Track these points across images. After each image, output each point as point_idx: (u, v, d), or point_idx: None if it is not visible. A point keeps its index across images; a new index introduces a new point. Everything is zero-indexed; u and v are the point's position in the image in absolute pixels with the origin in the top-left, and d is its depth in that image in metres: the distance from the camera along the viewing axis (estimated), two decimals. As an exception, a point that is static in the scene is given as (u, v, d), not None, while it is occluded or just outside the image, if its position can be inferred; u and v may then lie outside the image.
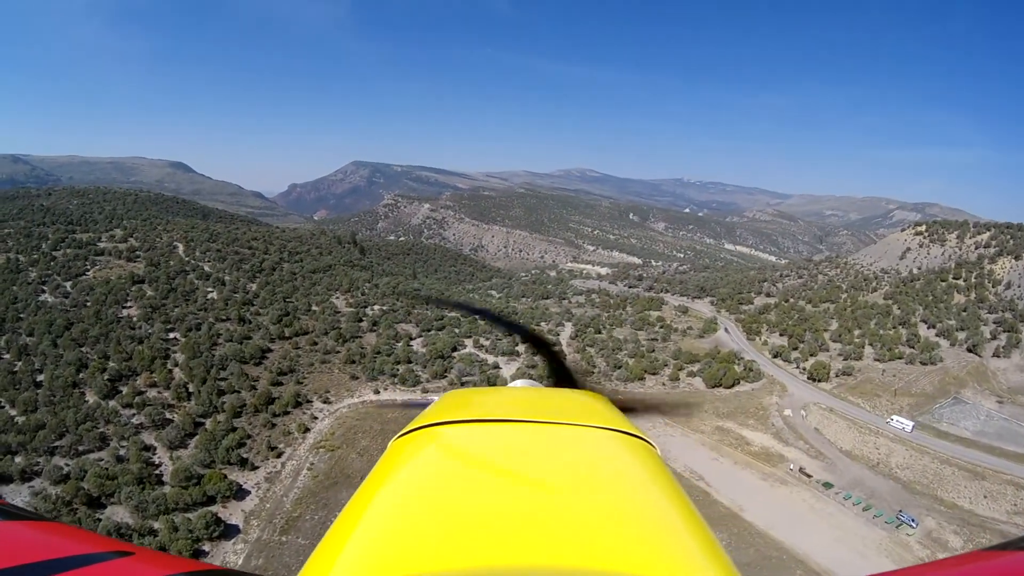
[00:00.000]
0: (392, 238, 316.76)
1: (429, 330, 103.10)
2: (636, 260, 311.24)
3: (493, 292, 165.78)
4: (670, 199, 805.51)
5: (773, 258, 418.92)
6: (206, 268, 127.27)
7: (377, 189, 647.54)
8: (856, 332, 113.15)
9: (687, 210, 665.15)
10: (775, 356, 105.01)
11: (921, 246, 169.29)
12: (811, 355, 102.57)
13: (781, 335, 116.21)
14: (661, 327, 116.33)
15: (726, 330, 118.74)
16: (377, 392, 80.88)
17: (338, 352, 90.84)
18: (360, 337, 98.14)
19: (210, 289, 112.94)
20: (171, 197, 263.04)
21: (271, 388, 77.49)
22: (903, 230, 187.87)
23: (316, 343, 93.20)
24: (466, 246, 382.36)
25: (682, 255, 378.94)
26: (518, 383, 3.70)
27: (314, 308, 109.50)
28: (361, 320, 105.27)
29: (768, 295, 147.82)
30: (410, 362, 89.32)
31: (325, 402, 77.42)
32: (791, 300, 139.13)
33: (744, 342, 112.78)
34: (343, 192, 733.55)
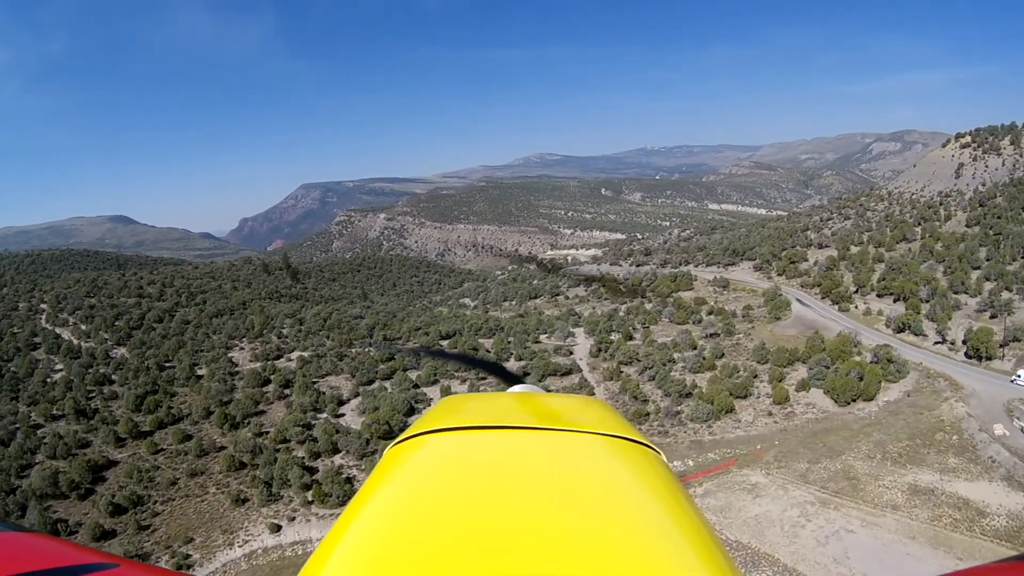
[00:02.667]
0: (350, 255, 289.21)
1: (371, 381, 68.34)
2: (620, 236, 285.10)
3: (467, 301, 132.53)
4: (637, 170, 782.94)
5: (763, 211, 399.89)
6: (66, 335, 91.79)
7: (331, 209, 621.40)
8: (974, 274, 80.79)
9: (658, 177, 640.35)
10: (900, 330, 71.68)
11: (975, 159, 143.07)
12: (947, 319, 69.50)
13: (881, 296, 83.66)
14: (712, 314, 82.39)
15: (801, 302, 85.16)
16: (277, 529, 45.36)
17: (219, 451, 55.64)
18: (262, 413, 63.09)
19: (59, 365, 77.51)
20: (102, 253, 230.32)
21: (92, 545, 41.03)
22: (944, 145, 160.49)
23: (189, 437, 57.92)
24: (431, 251, 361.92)
25: (667, 223, 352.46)
26: (518, 388, 3.49)
27: (201, 372, 73.98)
28: (267, 383, 70.00)
29: (821, 246, 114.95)
30: (337, 451, 54.52)
31: (181, 567, 41.29)
32: (860, 247, 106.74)
33: (839, 316, 79.42)
34: (296, 218, 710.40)
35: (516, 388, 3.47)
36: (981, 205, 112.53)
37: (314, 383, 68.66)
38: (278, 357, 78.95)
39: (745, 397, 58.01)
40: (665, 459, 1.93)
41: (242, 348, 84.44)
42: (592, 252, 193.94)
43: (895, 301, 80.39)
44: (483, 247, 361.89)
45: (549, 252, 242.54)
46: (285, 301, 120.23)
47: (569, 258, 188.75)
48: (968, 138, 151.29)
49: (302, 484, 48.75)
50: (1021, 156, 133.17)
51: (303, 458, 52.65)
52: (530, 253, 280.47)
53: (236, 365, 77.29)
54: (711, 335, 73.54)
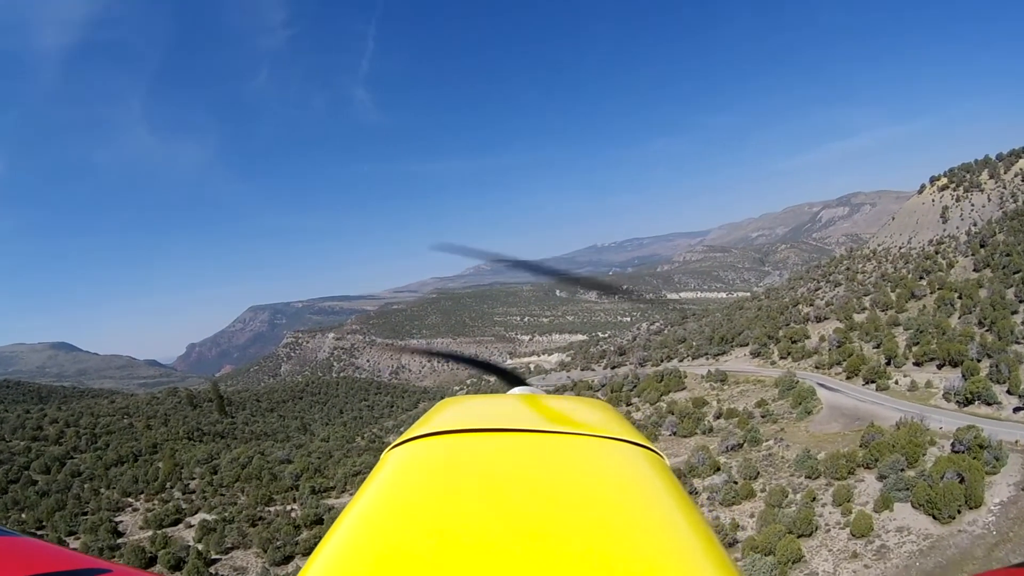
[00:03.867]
0: (300, 379, 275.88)
1: (288, 559, 51.97)
2: (582, 337, 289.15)
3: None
4: (590, 268, 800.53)
5: (723, 295, 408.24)
6: None
7: (280, 331, 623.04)
8: (1015, 319, 70.34)
9: (611, 272, 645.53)
10: (967, 402, 58.81)
11: (958, 200, 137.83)
12: (1018, 387, 57.05)
13: (920, 364, 71.66)
14: (721, 417, 68.79)
15: (826, 388, 72.00)
16: None
17: None
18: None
19: None
20: (32, 385, 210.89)
21: None
22: (920, 192, 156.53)
23: None
24: (384, 370, 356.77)
25: (628, 318, 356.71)
26: (519, 390, 3.45)
27: (75, 545, 55.78)
28: (153, 562, 53.01)
29: (820, 319, 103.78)
30: None
31: None
32: (866, 312, 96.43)
33: (882, 397, 66.21)
34: (245, 342, 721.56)
35: (517, 390, 3.42)
36: (983, 246, 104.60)
37: (212, 563, 52.29)
38: (176, 522, 62.33)
39: (811, 535, 43.22)
40: (668, 463, 1.92)
41: (136, 508, 67.86)
42: (557, 358, 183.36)
43: (940, 368, 68.38)
44: (439, 361, 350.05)
45: (509, 361, 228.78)
46: (208, 440, 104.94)
47: (532, 366, 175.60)
48: (944, 180, 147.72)
49: None
50: (1005, 188, 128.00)
51: None
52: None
53: (121, 535, 60.50)
54: (732, 447, 59.22)
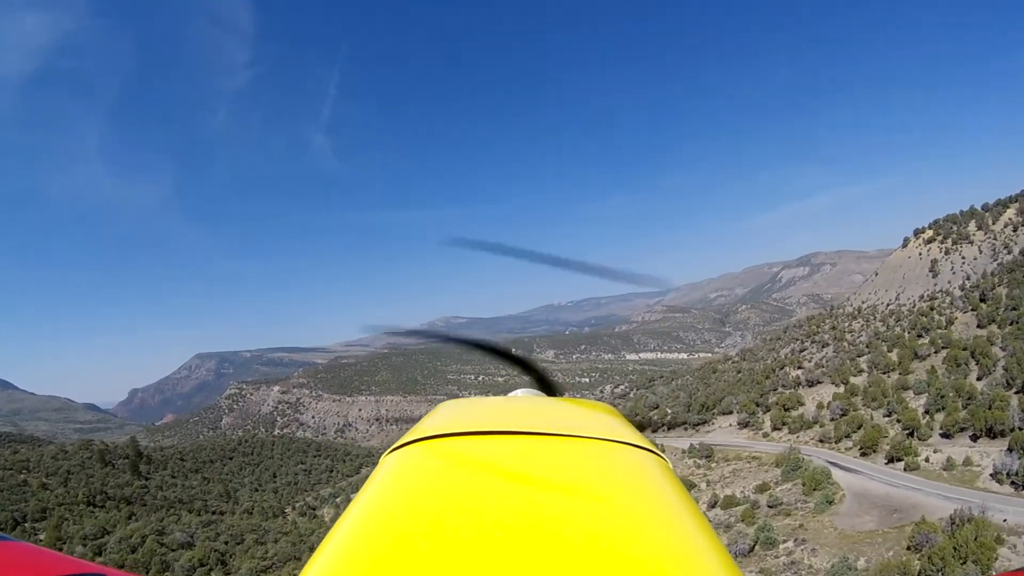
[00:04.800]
0: (241, 433, 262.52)
1: None
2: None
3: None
4: (546, 327, 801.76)
5: (684, 355, 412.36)
6: None
7: (226, 381, 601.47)
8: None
9: (568, 332, 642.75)
10: (1029, 490, 48.97)
11: (947, 252, 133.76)
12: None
13: (949, 436, 62.54)
14: (717, 506, 58.27)
15: (839, 467, 62.02)
16: None
17: None
18: None
19: None
20: None
21: None
22: (905, 246, 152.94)
23: None
24: (330, 427, 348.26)
25: (587, 379, 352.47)
26: (520, 392, 3.23)
27: None
28: None
29: (812, 383, 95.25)
30: None
31: None
32: (867, 376, 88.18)
33: (916, 480, 56.10)
34: (190, 390, 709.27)
35: (518, 392, 3.26)
36: (983, 300, 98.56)
37: None
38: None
39: None
40: (671, 466, 1.89)
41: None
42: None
43: (975, 439, 59.14)
44: (387, 420, 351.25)
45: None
46: (110, 507, 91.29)
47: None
48: (930, 232, 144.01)
49: None
50: (996, 239, 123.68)
51: None
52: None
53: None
54: (742, 553, 48.12)
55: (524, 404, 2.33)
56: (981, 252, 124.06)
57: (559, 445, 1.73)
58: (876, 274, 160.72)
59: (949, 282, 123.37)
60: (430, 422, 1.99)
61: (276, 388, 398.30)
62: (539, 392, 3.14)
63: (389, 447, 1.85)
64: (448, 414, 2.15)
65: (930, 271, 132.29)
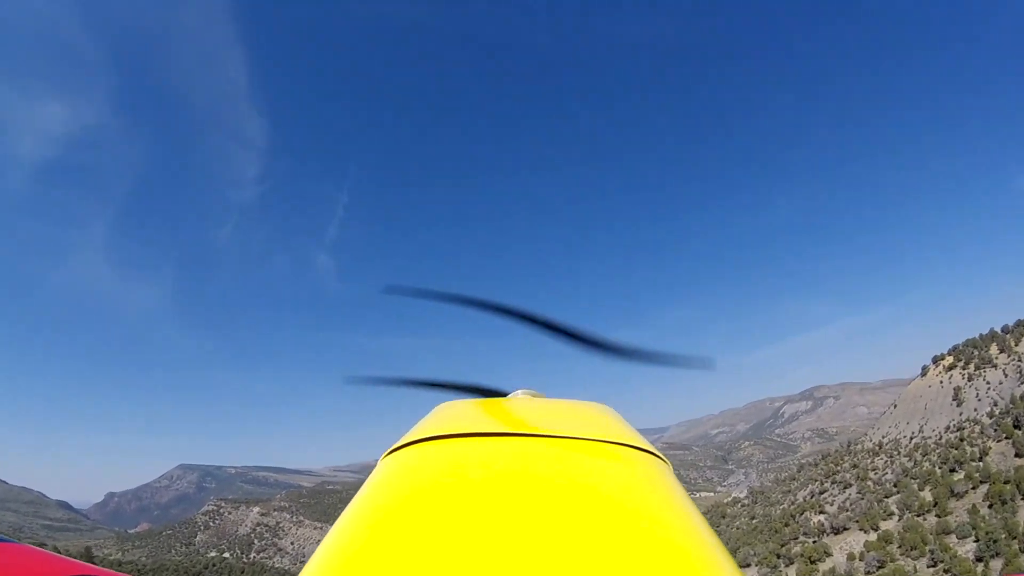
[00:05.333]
0: (214, 554, 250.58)
1: None
2: None
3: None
4: None
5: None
6: None
7: (206, 495, 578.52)
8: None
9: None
10: None
11: (970, 379, 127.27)
12: None
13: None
14: None
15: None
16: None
17: None
18: None
19: None
20: None
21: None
22: (924, 374, 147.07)
23: None
24: (309, 556, 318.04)
25: None
26: (519, 392, 3.27)
27: None
28: None
29: (838, 530, 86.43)
30: None
31: None
32: (899, 520, 79.91)
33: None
34: (168, 500, 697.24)
35: (517, 393, 3.27)
36: (1017, 427, 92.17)
37: None
38: None
39: None
40: (671, 469, 1.93)
41: None
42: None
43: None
44: None
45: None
46: None
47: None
48: (950, 359, 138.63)
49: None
50: (1021, 360, 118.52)
51: None
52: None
53: None
54: None
55: (522, 405, 2.40)
56: (1007, 376, 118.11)
57: (557, 447, 1.75)
58: (895, 406, 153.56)
59: (976, 409, 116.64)
60: (427, 424, 2.03)
61: (256, 509, 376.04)
62: (538, 393, 3.12)
63: (387, 449, 1.88)
64: (446, 416, 2.21)
65: (954, 399, 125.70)
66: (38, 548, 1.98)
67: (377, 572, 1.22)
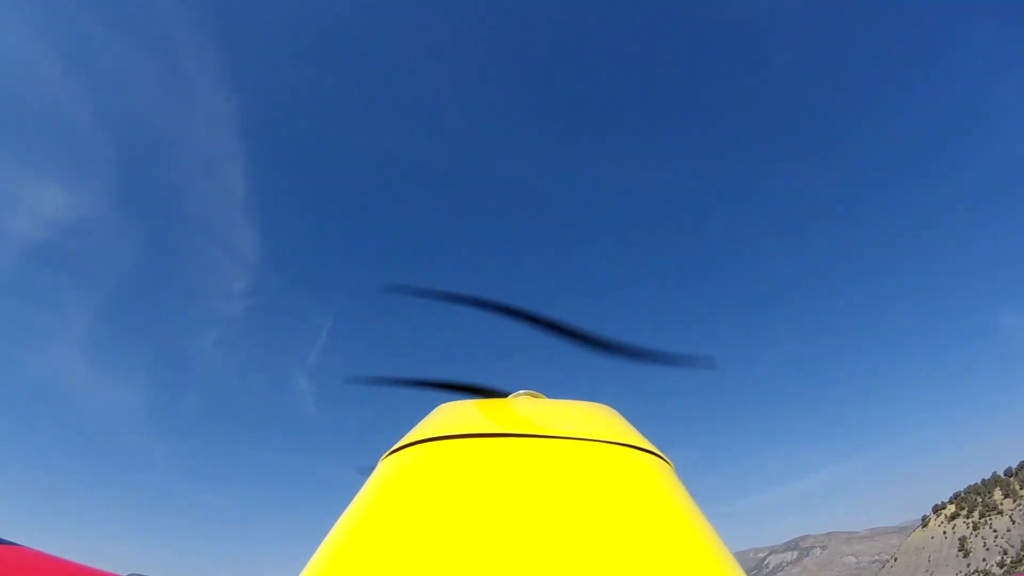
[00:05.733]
0: None
1: None
2: None
3: None
4: None
5: None
6: None
7: None
8: None
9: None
10: None
11: (975, 527, 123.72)
12: None
13: None
14: None
15: None
16: None
17: None
18: None
19: None
20: None
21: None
22: (925, 525, 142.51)
23: None
24: None
25: None
26: (520, 393, 3.38)
27: None
28: None
29: None
30: None
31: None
32: None
33: None
34: None
35: (519, 393, 3.36)
36: None
37: None
38: None
39: None
40: (674, 470, 1.96)
41: None
42: None
43: None
44: None
45: None
46: None
47: None
48: (952, 507, 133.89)
49: None
50: (1020, 506, 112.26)
51: None
52: None
53: None
54: None
55: (524, 405, 2.38)
56: (1014, 523, 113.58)
57: (559, 447, 1.75)
58: (895, 559, 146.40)
59: (984, 559, 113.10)
60: (427, 425, 2.02)
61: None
62: (539, 394, 3.12)
63: (387, 451, 1.88)
64: (446, 416, 2.19)
65: (960, 550, 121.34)
66: (36, 550, 1.99)
67: (376, 572, 1.21)
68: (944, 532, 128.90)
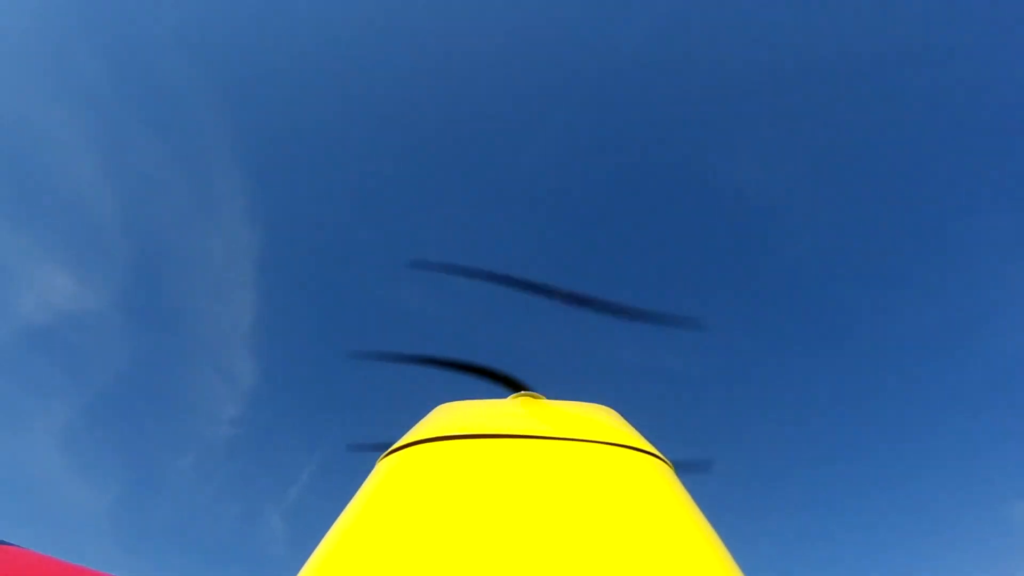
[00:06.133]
0: None
1: None
2: None
3: None
4: None
5: None
6: None
7: None
8: None
9: None
10: None
11: None
12: None
13: None
14: None
15: None
16: None
17: None
18: None
19: None
20: None
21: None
22: None
23: None
24: None
25: None
26: (520, 394, 3.52)
27: None
28: None
29: None
30: None
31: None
32: None
33: None
34: None
35: (519, 394, 3.39)
36: None
37: None
38: None
39: None
40: (674, 472, 1.92)
41: None
42: None
43: None
44: None
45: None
46: None
47: None
48: None
49: None
50: None
51: None
52: None
53: None
54: None
55: (523, 406, 2.36)
56: None
57: (558, 449, 1.72)
58: None
59: None
60: (426, 425, 1.98)
61: None
62: (539, 395, 3.12)
63: (385, 451, 1.83)
64: (444, 417, 2.14)
65: None
66: (33, 551, 1.99)
67: (375, 573, 1.16)
68: None
